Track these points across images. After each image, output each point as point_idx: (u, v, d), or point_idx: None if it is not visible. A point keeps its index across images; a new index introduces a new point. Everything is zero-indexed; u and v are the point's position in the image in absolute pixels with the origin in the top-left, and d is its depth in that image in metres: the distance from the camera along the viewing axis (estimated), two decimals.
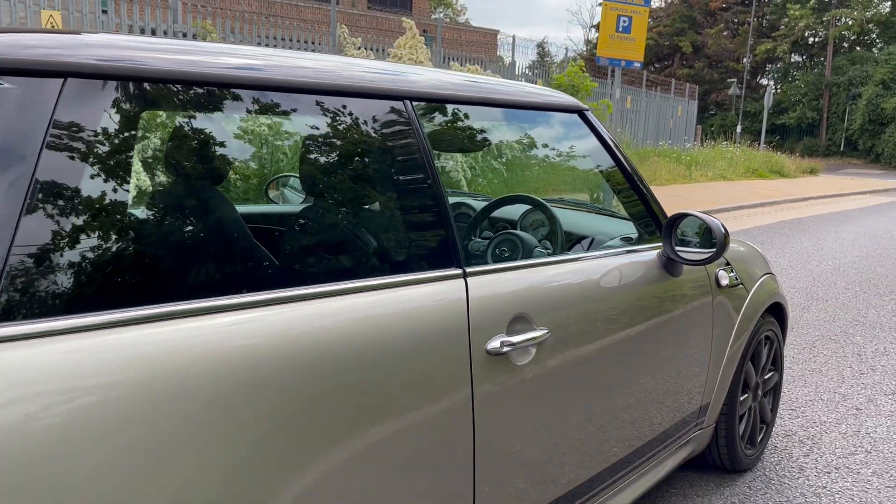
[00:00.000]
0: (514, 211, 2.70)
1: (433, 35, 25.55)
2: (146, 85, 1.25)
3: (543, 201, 2.58)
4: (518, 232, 2.42)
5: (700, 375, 2.54)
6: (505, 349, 1.63)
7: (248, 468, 1.16)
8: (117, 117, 1.19)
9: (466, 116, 1.93)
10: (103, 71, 1.18)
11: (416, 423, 1.45)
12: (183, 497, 1.08)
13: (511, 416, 1.68)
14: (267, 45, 11.85)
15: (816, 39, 40.25)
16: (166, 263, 1.27)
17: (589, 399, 1.98)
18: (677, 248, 2.27)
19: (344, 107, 1.55)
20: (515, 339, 1.66)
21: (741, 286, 2.77)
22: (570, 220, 2.75)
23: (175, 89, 1.30)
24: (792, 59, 41.59)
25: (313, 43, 12.31)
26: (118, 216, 1.18)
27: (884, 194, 18.39)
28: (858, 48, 39.05)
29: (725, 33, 42.41)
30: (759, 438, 3.09)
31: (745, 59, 40.13)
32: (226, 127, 1.54)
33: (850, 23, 37.92)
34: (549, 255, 2.36)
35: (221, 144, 1.56)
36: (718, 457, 2.89)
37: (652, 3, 51.55)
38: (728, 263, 2.70)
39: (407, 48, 11.53)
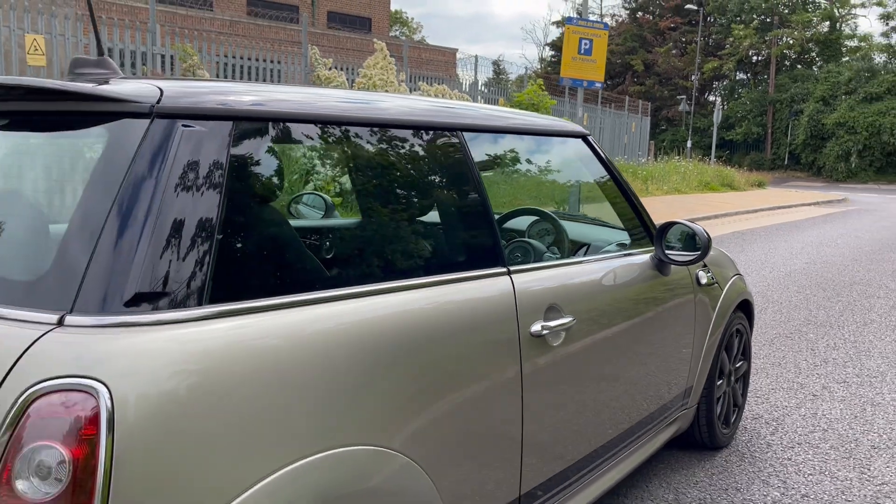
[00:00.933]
0: (523, 222, 3.09)
1: (397, 55, 25.93)
2: (285, 123, 1.61)
3: (550, 212, 2.98)
4: (528, 239, 2.81)
5: (686, 361, 2.96)
6: (544, 332, 2.01)
7: (390, 396, 1.56)
8: (269, 147, 1.55)
9: (499, 142, 2.31)
10: (258, 115, 1.54)
11: (484, 381, 1.83)
12: (368, 401, 1.49)
13: (548, 385, 2.07)
14: (242, 66, 12.10)
15: (760, 58, 41.92)
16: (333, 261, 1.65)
17: (606, 376, 2.37)
18: (667, 251, 2.69)
19: (420, 137, 1.93)
20: (551, 324, 2.04)
21: (717, 285, 3.20)
22: (571, 229, 3.15)
23: (302, 126, 1.66)
24: (737, 77, 43.22)
25: (281, 62, 12.59)
26: (283, 223, 1.54)
27: (826, 206, 19.38)
28: (799, 66, 40.79)
29: (674, 52, 43.86)
30: (733, 419, 3.53)
31: (693, 77, 41.56)
32: (343, 151, 1.93)
33: (790, 42, 39.64)
34: (563, 258, 2.75)
35: (344, 166, 1.93)
36: (699, 435, 3.30)
37: (586, 15, 53.03)
38: (705, 265, 3.13)
39: (378, 69, 11.90)
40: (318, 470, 1.38)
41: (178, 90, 1.47)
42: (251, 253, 1.50)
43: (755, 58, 42.04)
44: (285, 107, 1.62)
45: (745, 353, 3.63)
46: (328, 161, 1.86)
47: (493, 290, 1.93)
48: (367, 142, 1.86)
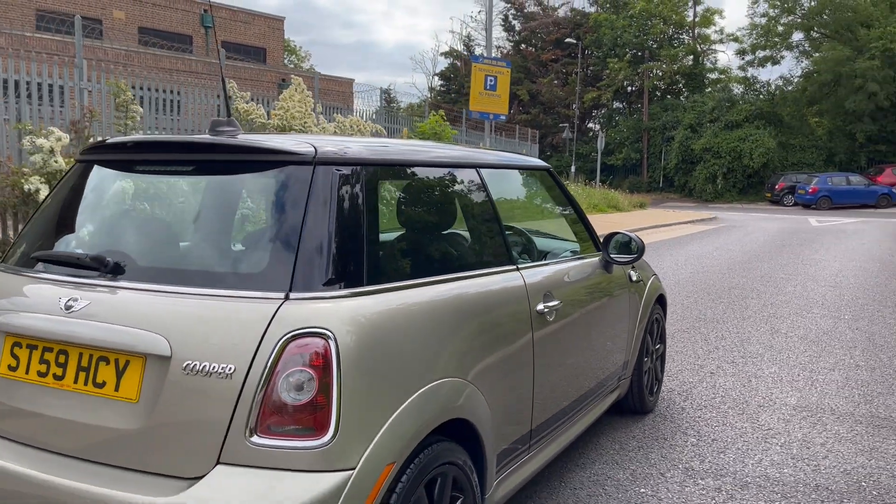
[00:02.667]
0: None
1: (290, 83, 26.22)
2: (388, 166, 2.36)
3: (520, 227, 3.81)
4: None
5: (625, 339, 3.85)
6: (544, 310, 2.82)
7: (463, 346, 2.31)
8: (381, 179, 2.29)
9: (497, 175, 3.12)
10: (371, 161, 2.27)
11: (512, 340, 2.61)
12: (455, 349, 2.23)
13: (547, 348, 2.87)
14: (159, 99, 12.31)
15: (634, 88, 45.08)
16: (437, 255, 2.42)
17: (580, 345, 3.22)
18: (612, 254, 3.58)
19: (459, 173, 2.71)
20: (548, 305, 2.86)
21: (642, 282, 4.13)
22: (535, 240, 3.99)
23: (397, 167, 2.41)
24: (615, 106, 46.23)
25: (202, 95, 12.91)
26: (400, 232, 2.28)
27: (700, 224, 21.39)
28: (669, 96, 44.17)
29: (557, 83, 46.44)
30: (655, 389, 4.46)
31: (574, 106, 44.18)
32: (422, 182, 2.67)
33: (660, 74, 42.95)
34: (533, 261, 3.58)
35: (429, 196, 2.67)
36: (633, 401, 4.20)
37: (489, 53, 55.49)
38: (633, 267, 4.05)
39: (295, 101, 12.48)
40: (440, 389, 2.13)
41: (324, 147, 2.18)
42: (384, 251, 2.23)
43: (630, 88, 45.20)
44: (386, 154, 2.37)
45: (662, 338, 4.58)
46: (417, 189, 2.64)
47: (512, 280, 2.73)
48: (433, 176, 2.64)
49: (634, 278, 3.99)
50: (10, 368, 2.14)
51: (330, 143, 2.23)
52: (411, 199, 2.60)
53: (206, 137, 2.23)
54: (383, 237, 2.28)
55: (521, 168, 3.38)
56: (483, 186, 2.82)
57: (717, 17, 43.14)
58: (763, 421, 4.27)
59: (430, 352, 2.17)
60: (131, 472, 1.91)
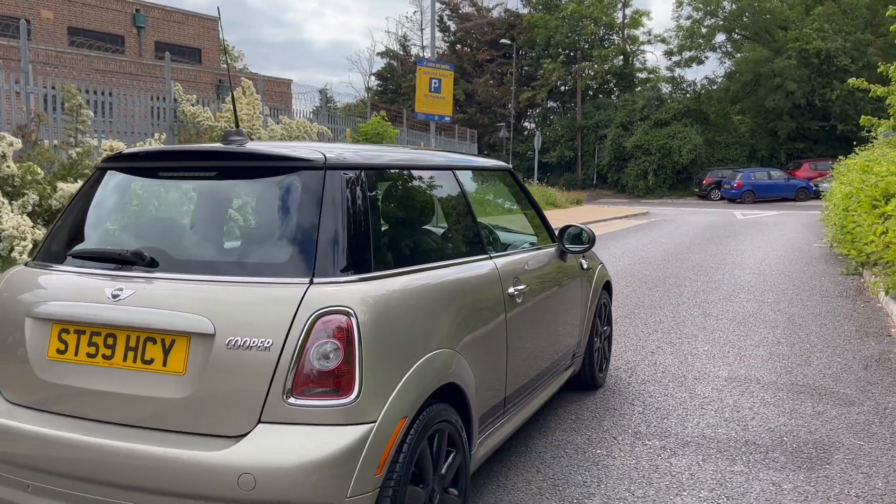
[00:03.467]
0: None
1: (227, 84, 26.08)
2: (385, 169, 2.73)
3: (485, 222, 4.22)
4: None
5: (578, 320, 4.31)
6: (514, 293, 3.24)
7: (452, 321, 2.69)
8: (380, 181, 2.66)
9: (468, 176, 3.52)
10: (370, 165, 2.64)
11: (489, 318, 3.01)
12: (446, 324, 2.60)
13: (517, 326, 3.29)
14: (103, 102, 12.24)
15: (567, 88, 46.19)
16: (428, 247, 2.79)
17: (543, 324, 3.65)
18: (566, 244, 4.03)
19: (440, 173, 3.11)
20: (517, 289, 3.28)
21: (591, 270, 4.60)
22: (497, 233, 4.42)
23: (389, 171, 2.79)
24: (549, 105, 47.26)
25: (150, 98, 12.89)
26: (401, 225, 2.66)
27: (634, 219, 22.30)
28: (601, 96, 45.46)
29: (492, 82, 47.17)
30: (604, 367, 4.94)
31: (510, 106, 45.01)
32: (413, 183, 3.04)
33: (592, 74, 44.17)
34: (515, 250, 3.98)
35: (417, 194, 3.04)
36: (585, 377, 4.67)
37: (423, 54, 55.93)
38: (584, 256, 4.51)
39: (244, 104, 12.62)
40: (436, 358, 2.52)
41: (332, 154, 2.54)
42: (384, 243, 2.60)
43: (563, 88, 46.29)
44: (382, 160, 2.74)
45: (609, 321, 5.07)
46: (407, 189, 3.01)
47: (486, 267, 3.14)
48: (419, 178, 3.03)
49: (585, 266, 4.46)
50: (59, 352, 2.43)
51: (335, 150, 2.59)
52: (402, 197, 2.98)
53: (229, 147, 2.57)
54: (383, 230, 2.66)
55: (486, 169, 3.79)
56: (459, 186, 3.22)
57: (644, 19, 44.66)
58: (699, 391, 4.80)
59: (427, 326, 2.55)
60: (182, 435, 2.24)
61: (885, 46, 36.17)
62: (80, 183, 8.58)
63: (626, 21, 44.35)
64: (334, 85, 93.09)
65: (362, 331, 2.23)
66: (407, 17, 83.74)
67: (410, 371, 2.38)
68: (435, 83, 13.09)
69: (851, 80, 15.44)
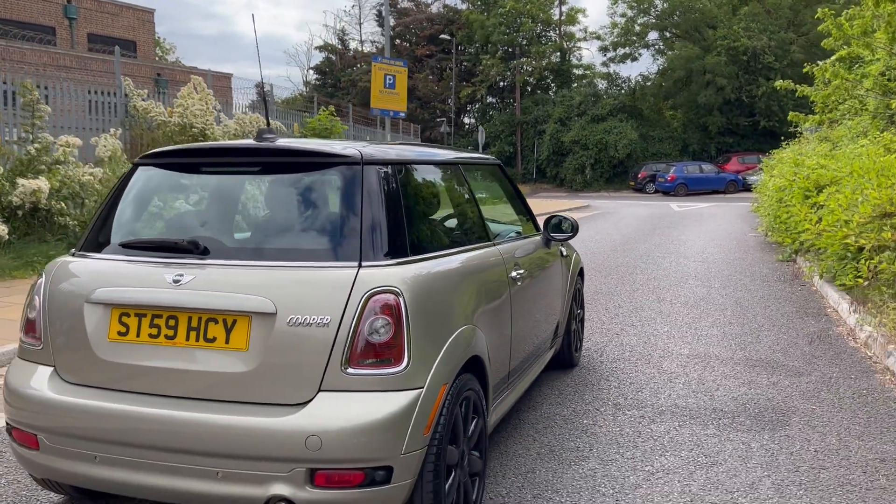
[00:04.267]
0: None
1: (167, 79, 25.62)
2: (411, 164, 3.01)
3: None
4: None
5: (561, 303, 4.67)
6: (515, 276, 3.57)
7: (471, 300, 2.99)
8: (407, 174, 2.94)
9: (466, 171, 3.81)
10: (398, 161, 2.92)
11: (497, 298, 3.32)
12: (469, 304, 2.90)
13: (518, 306, 3.61)
14: (48, 97, 12.01)
15: (506, 84, 46.85)
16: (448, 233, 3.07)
17: (538, 304, 3.98)
18: (551, 233, 4.38)
19: (450, 167, 3.40)
20: (517, 273, 3.60)
21: (569, 257, 4.97)
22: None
23: (411, 165, 3.06)
24: (489, 101, 47.86)
25: (98, 93, 12.71)
26: (427, 214, 2.94)
27: (577, 212, 22.96)
28: (539, 91, 46.27)
29: (432, 78, 47.45)
30: (578, 348, 5.33)
31: (450, 101, 45.39)
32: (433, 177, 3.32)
33: (530, 70, 44.93)
34: (510, 238, 4.29)
35: (434, 187, 3.32)
36: (564, 356, 5.03)
37: (362, 49, 55.74)
38: (563, 244, 4.88)
39: (196, 99, 12.59)
40: (464, 333, 2.81)
41: (367, 151, 2.81)
42: (416, 230, 2.87)
43: (502, 84, 46.93)
44: (405, 156, 3.02)
45: (582, 305, 5.45)
46: (427, 182, 3.29)
47: (493, 253, 3.45)
48: (436, 173, 3.32)
49: (564, 253, 4.82)
50: (120, 334, 2.63)
51: (368, 148, 2.86)
52: (424, 189, 3.25)
53: (275, 143, 2.80)
54: (413, 219, 2.93)
55: (482, 164, 4.10)
56: (465, 180, 3.53)
57: (580, 16, 45.60)
58: (665, 367, 5.23)
59: (455, 304, 2.85)
60: (248, 405, 2.47)
61: (806, 45, 38.00)
62: (42, 179, 8.52)
63: (562, 18, 45.21)
64: (271, 79, 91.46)
65: (408, 308, 2.51)
66: (345, 11, 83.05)
67: (447, 344, 2.67)
68: (389, 79, 13.31)
69: (779, 82, 16.36)
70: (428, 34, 47.06)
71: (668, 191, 33.73)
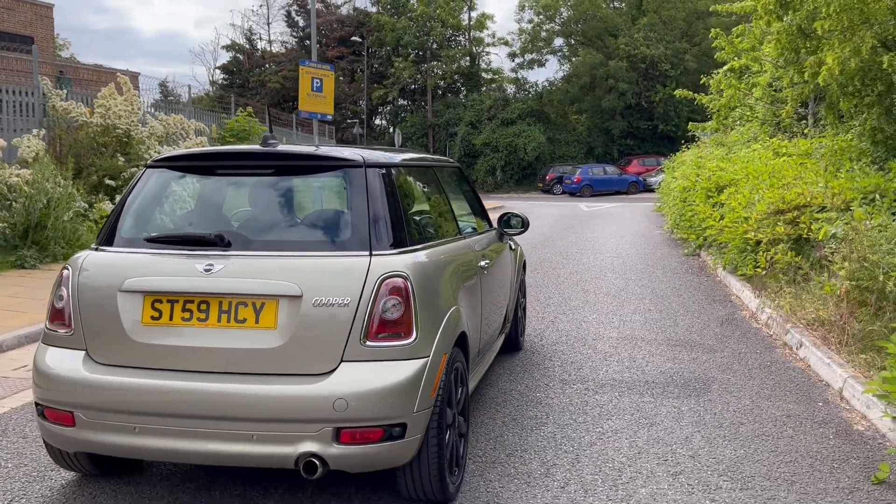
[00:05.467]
0: None
1: (70, 76, 24.74)
2: (406, 167, 3.44)
3: None
4: None
5: (511, 291, 5.19)
6: (483, 265, 4.06)
7: (455, 284, 3.45)
8: (403, 175, 3.38)
9: (432, 173, 4.26)
10: (392, 164, 3.35)
11: (474, 285, 3.80)
12: (455, 289, 3.35)
13: (485, 293, 4.10)
14: None
15: (417, 87, 47.43)
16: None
17: (495, 293, 4.48)
18: (504, 228, 4.90)
19: (427, 170, 3.85)
20: (485, 262, 4.10)
21: (516, 250, 5.51)
22: None
23: (403, 168, 3.50)
24: (401, 103, 48.30)
25: (13, 93, 12.35)
26: (422, 209, 3.38)
27: (492, 212, 23.71)
28: (449, 95, 47.11)
29: (343, 79, 47.41)
30: (523, 332, 5.88)
31: (362, 103, 45.57)
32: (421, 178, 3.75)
33: (441, 73, 45.69)
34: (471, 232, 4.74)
35: (421, 186, 3.74)
36: (511, 340, 5.56)
37: (272, 48, 55.08)
38: (511, 238, 5.40)
39: (120, 100, 12.45)
40: (454, 312, 3.27)
41: (368, 156, 3.23)
42: (416, 222, 3.30)
43: (413, 86, 47.48)
44: (396, 160, 3.45)
45: (525, 294, 6.01)
46: (414, 182, 3.70)
47: (466, 245, 3.93)
48: (422, 175, 3.76)
49: (513, 247, 5.35)
50: (153, 318, 2.95)
51: (368, 153, 3.28)
52: (413, 188, 3.68)
53: (287, 148, 3.18)
54: (407, 214, 3.37)
55: (447, 167, 4.57)
56: (439, 181, 3.99)
57: (489, 22, 46.78)
58: (600, 348, 5.85)
59: (446, 288, 3.31)
60: (278, 376, 2.85)
61: (699, 54, 40.41)
62: None
63: (471, 23, 46.21)
64: (175, 77, 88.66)
65: (416, 289, 2.95)
66: (253, 10, 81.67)
67: (444, 321, 3.13)
68: (317, 83, 13.55)
69: (678, 91, 17.59)
70: (339, 36, 47.05)
71: (575, 192, 35.13)
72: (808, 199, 7.55)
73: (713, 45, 15.63)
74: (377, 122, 50.01)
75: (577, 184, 35.31)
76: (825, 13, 6.64)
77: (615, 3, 45.13)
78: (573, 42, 45.13)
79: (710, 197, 11.06)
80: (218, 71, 51.85)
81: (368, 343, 2.86)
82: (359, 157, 3.18)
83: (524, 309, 6.00)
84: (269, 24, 58.12)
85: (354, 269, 2.91)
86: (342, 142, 45.92)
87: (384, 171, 3.23)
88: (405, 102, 48.60)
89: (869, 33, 7.19)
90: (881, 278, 5.33)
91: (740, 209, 8.73)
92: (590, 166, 36.92)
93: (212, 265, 2.93)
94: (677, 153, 21.20)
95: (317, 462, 2.79)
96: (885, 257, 5.46)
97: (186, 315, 2.93)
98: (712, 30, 15.20)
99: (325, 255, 2.97)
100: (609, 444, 3.88)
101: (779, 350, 5.78)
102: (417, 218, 3.57)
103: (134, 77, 29.39)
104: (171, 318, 2.94)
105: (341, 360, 2.85)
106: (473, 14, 46.14)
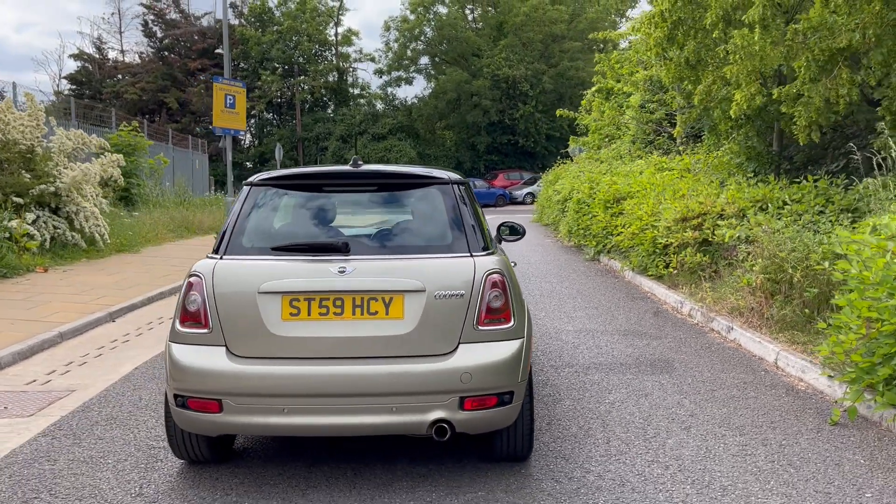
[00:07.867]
0: None
1: (27, 98, 22.82)
2: (468, 184, 4.09)
3: None
4: None
5: None
6: (511, 263, 4.77)
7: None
8: (468, 192, 4.02)
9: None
10: (458, 181, 3.99)
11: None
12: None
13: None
14: None
15: (284, 101, 47.13)
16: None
17: None
18: (503, 235, 5.62)
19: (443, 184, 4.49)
20: (511, 262, 4.81)
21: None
22: None
23: (468, 185, 4.14)
24: (267, 117, 47.74)
25: None
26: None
27: None
28: (317, 109, 47.18)
29: (206, 92, 46.20)
30: None
31: None
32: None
33: (308, 88, 45.72)
34: None
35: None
36: None
37: (124, 59, 52.48)
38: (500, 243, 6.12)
39: (26, 115, 11.97)
40: (525, 304, 3.95)
41: (450, 174, 3.87)
42: (485, 230, 3.95)
43: (280, 100, 47.13)
44: (462, 178, 4.09)
45: None
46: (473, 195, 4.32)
47: (499, 248, 4.62)
48: (471, 189, 4.40)
49: (504, 253, 6.08)
50: (292, 315, 3.41)
51: (447, 172, 3.91)
52: (476, 201, 4.32)
53: (392, 168, 3.76)
54: (483, 223, 4.01)
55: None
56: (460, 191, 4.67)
57: (355, 38, 47.37)
58: (565, 339, 6.69)
59: (518, 282, 3.98)
60: (409, 357, 3.41)
61: (555, 76, 43.15)
62: None
63: (338, 39, 46.62)
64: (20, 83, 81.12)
65: (509, 283, 3.61)
66: (103, 18, 77.22)
67: (525, 309, 3.81)
68: (230, 99, 13.59)
69: (560, 111, 19.19)
70: (200, 47, 45.87)
71: None
72: (709, 208, 8.84)
73: (594, 68, 17.25)
74: (241, 136, 49.06)
75: None
76: (733, 59, 7.92)
77: (477, 25, 47.21)
78: (438, 60, 46.68)
79: (608, 208, 12.35)
80: (65, 81, 48.81)
81: (480, 327, 3.49)
82: (445, 176, 3.82)
83: None
84: (121, 32, 55.40)
85: (464, 267, 3.54)
86: (208, 158, 44.68)
87: (465, 187, 3.87)
88: (271, 116, 48.11)
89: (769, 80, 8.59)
90: (789, 271, 6.54)
91: (647, 217, 9.97)
92: None
93: (345, 268, 3.45)
94: (553, 168, 22.88)
95: (446, 426, 3.38)
96: (790, 254, 6.70)
97: (323, 310, 3.42)
98: (596, 54, 16.77)
99: (437, 256, 3.57)
100: (624, 411, 4.69)
101: (709, 335, 6.88)
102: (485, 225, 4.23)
103: None
104: (308, 314, 3.42)
105: (459, 342, 3.46)
106: (340, 30, 46.57)
